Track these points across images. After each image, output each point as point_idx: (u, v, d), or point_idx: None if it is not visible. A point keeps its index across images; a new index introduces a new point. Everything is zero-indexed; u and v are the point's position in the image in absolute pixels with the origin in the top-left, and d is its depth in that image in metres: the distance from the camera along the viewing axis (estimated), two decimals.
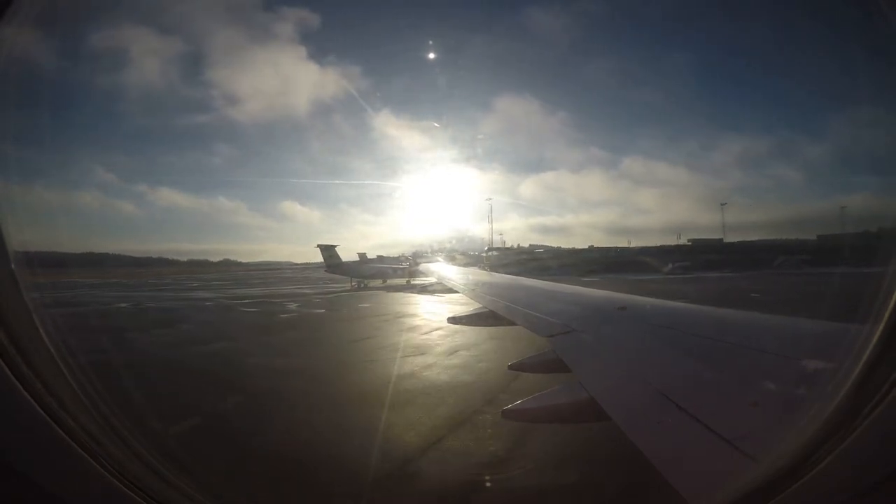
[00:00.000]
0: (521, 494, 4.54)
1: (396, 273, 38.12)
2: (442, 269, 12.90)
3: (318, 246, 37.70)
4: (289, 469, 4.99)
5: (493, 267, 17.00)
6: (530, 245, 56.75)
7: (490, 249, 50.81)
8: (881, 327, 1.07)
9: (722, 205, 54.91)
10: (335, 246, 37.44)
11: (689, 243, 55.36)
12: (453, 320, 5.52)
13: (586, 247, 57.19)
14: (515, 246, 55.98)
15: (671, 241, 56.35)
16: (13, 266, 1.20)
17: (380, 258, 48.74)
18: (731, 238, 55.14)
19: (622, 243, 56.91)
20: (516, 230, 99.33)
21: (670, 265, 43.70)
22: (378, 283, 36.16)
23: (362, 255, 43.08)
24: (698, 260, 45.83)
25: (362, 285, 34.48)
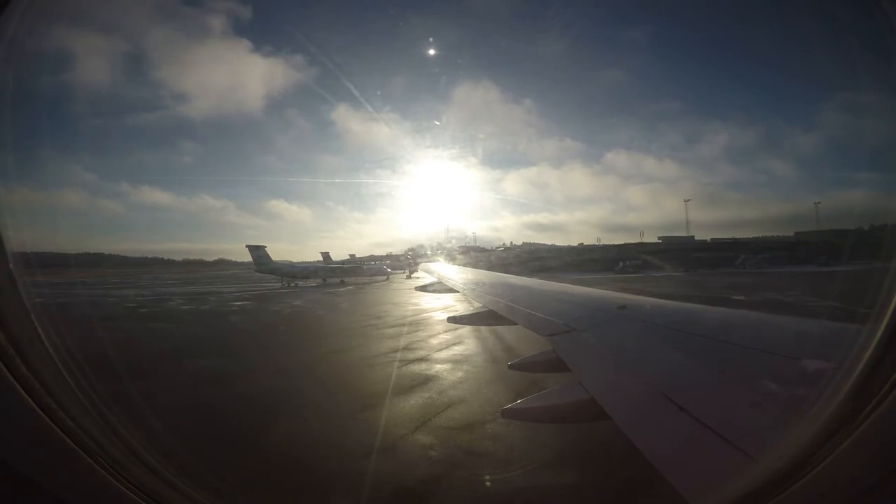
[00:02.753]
0: (520, 494, 4.54)
1: (333, 273, 40.02)
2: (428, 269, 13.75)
3: (247, 246, 38.81)
4: None
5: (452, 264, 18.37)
6: (523, 243, 60.83)
7: (464, 248, 55.14)
8: (881, 327, 1.07)
9: (686, 201, 56.15)
10: (263, 246, 38.50)
11: (660, 241, 56.16)
12: (453, 320, 5.52)
13: (573, 244, 59.03)
14: (510, 244, 61.12)
15: (670, 235, 57.14)
16: (12, 266, 1.20)
17: (352, 258, 51.26)
18: (718, 235, 55.58)
19: (618, 240, 57.61)
20: (510, 228, 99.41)
21: (620, 264, 44.88)
22: (316, 282, 37.80)
23: (325, 255, 44.75)
24: (659, 258, 46.51)
25: (291, 285, 35.65)
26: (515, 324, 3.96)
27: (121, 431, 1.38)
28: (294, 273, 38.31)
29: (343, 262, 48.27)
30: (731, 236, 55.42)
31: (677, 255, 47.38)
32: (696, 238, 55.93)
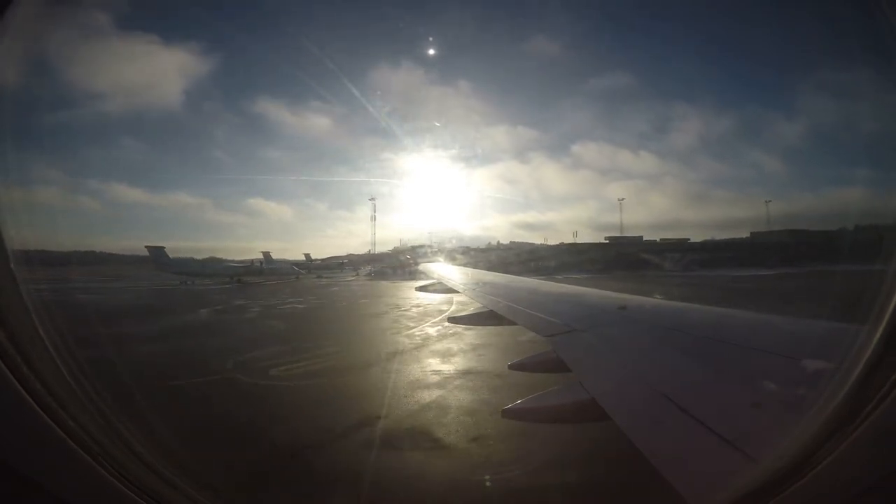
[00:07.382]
0: (520, 494, 4.54)
1: (235, 272, 41.18)
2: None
3: (146, 247, 40.04)
4: None
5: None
6: (511, 242, 61.54)
7: (422, 248, 55.03)
8: (881, 327, 1.07)
9: (620, 200, 56.13)
10: (162, 247, 39.86)
11: (607, 241, 56.32)
12: (454, 320, 5.52)
13: (552, 243, 58.99)
14: (496, 244, 61.96)
15: (665, 237, 57.33)
16: (13, 266, 1.20)
17: (307, 257, 52.55)
18: (711, 236, 55.62)
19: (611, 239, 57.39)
20: (500, 227, 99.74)
21: (531, 264, 46.26)
22: (220, 280, 38.89)
23: (266, 254, 45.77)
24: (584, 260, 46.91)
25: (186, 283, 36.95)
26: (515, 324, 3.96)
27: (121, 431, 1.38)
28: (190, 271, 39.47)
29: (295, 262, 49.84)
30: (726, 237, 55.45)
31: (619, 255, 47.56)
32: (645, 239, 56.56)
